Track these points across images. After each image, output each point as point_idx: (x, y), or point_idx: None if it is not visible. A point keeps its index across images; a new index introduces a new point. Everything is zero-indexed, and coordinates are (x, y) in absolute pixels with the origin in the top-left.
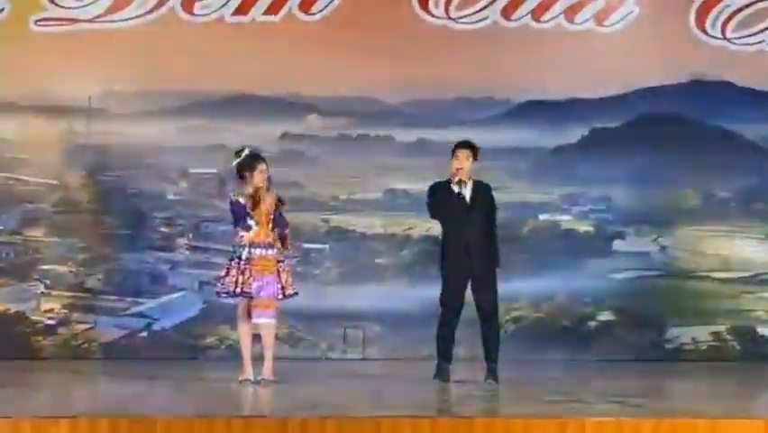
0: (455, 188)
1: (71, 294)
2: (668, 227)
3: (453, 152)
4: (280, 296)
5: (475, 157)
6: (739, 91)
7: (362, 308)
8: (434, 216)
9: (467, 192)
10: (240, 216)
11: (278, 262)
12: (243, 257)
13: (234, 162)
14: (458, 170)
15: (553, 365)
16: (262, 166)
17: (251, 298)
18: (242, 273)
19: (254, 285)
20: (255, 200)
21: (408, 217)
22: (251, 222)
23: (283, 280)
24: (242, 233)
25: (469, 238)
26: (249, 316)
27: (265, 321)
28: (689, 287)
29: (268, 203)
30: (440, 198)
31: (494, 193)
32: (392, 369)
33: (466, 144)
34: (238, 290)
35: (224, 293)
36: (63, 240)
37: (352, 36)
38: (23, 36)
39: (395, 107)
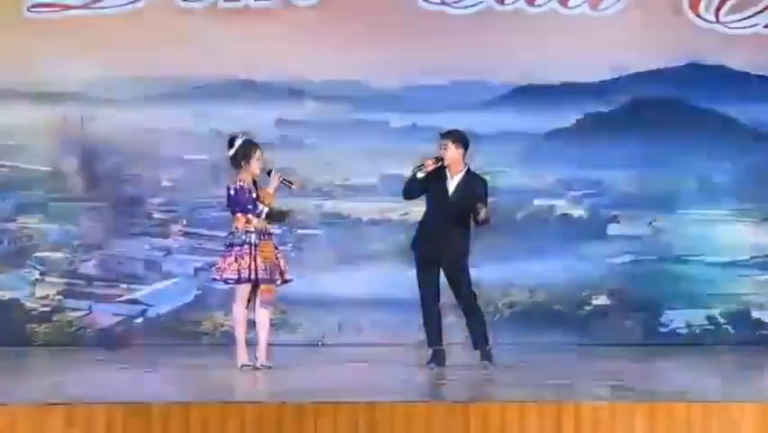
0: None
1: (66, 280)
2: (663, 211)
3: None
4: (279, 281)
5: (458, 146)
6: (734, 75)
7: (358, 293)
8: (403, 191)
9: (451, 183)
10: (248, 202)
11: (275, 248)
12: (253, 242)
13: (230, 152)
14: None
15: (548, 350)
16: (258, 153)
17: (259, 284)
18: (254, 260)
19: (265, 271)
20: (257, 188)
21: (403, 202)
22: (263, 208)
23: (281, 266)
24: (252, 218)
25: (438, 229)
26: (248, 301)
27: (269, 307)
28: (683, 271)
29: (269, 190)
30: (416, 183)
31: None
32: (387, 354)
33: (443, 134)
34: (253, 276)
35: (232, 279)
36: (58, 226)
37: (347, 21)
38: (17, 22)
39: (390, 92)
